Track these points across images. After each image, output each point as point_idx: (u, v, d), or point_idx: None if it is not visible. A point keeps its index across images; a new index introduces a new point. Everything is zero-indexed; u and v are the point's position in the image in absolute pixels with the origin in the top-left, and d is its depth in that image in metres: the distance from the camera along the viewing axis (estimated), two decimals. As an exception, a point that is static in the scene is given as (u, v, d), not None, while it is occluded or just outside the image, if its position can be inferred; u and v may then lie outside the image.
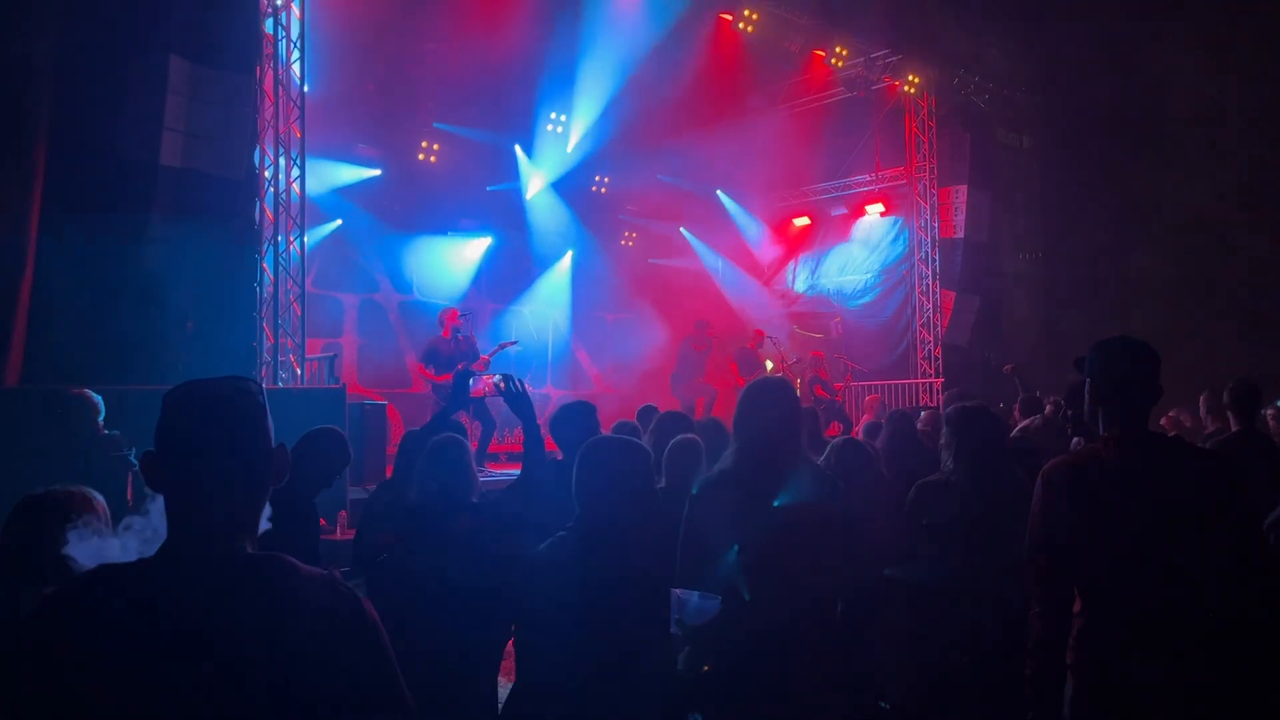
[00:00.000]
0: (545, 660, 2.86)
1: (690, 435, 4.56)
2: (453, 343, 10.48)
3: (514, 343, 11.65)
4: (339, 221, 13.57)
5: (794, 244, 18.47)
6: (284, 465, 1.69)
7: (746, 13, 13.76)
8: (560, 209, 16.34)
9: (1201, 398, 6.53)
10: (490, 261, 15.54)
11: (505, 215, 15.65)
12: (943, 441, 4.00)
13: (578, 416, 4.47)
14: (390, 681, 1.62)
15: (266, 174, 9.80)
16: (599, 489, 2.95)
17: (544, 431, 4.13)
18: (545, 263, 16.37)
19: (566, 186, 16.30)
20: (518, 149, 15.62)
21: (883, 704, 4.21)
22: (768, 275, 18.74)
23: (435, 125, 14.56)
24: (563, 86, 14.50)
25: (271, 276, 9.81)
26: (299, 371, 9.88)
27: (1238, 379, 5.53)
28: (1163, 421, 9.96)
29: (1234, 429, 5.39)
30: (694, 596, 2.89)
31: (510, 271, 15.88)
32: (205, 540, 1.57)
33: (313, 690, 1.52)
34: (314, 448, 4.10)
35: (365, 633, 1.61)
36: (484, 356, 10.53)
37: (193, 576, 1.54)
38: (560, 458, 4.52)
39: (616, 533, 2.91)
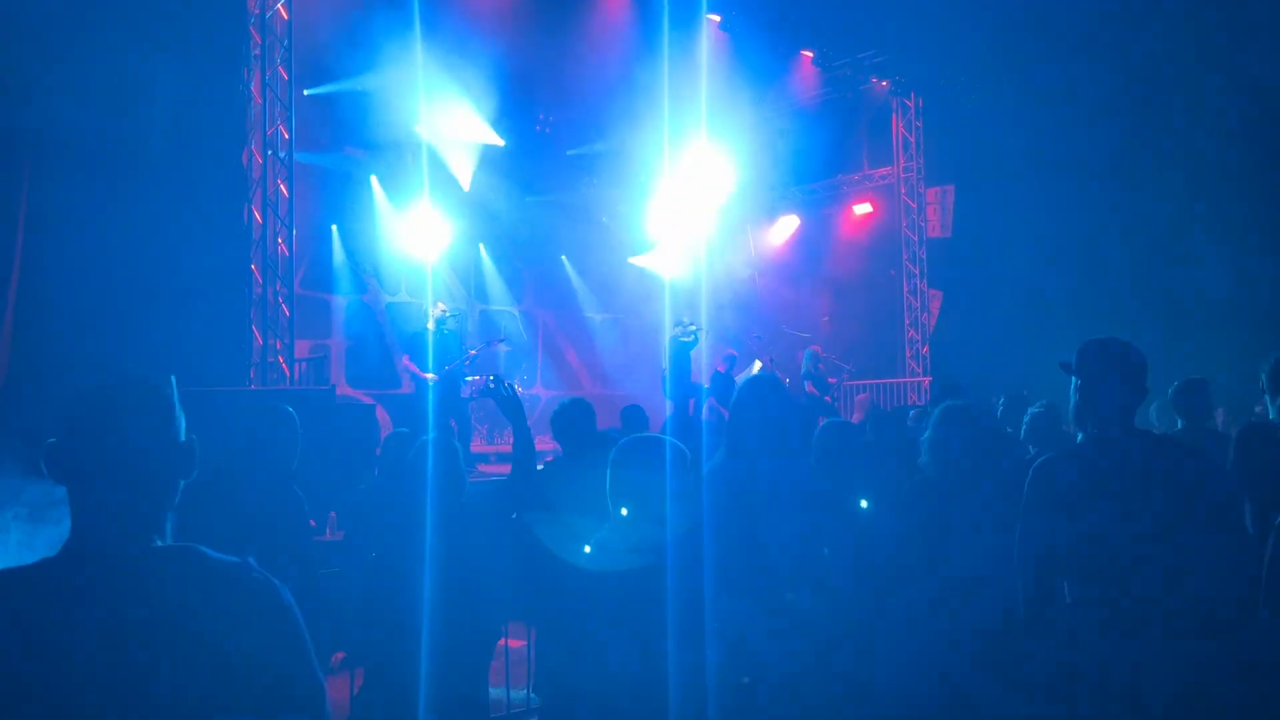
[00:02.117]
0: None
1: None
2: (436, 334, 10.28)
3: (502, 340, 11.62)
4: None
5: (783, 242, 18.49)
6: (192, 460, 1.68)
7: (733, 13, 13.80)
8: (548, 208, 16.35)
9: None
10: (479, 262, 15.52)
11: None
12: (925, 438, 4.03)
13: (578, 415, 4.50)
14: (305, 668, 1.62)
15: (254, 175, 9.78)
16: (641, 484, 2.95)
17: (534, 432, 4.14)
18: (534, 263, 16.36)
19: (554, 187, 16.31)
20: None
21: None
22: (757, 274, 18.75)
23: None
24: (549, 88, 14.50)
25: (259, 278, 9.79)
26: (287, 372, 9.86)
27: (1185, 379, 5.57)
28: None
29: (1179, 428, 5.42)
30: (738, 605, 2.91)
31: (502, 272, 15.86)
32: (109, 535, 1.57)
33: (227, 679, 1.52)
34: (268, 434, 3.97)
35: (279, 619, 1.60)
36: (472, 351, 10.56)
37: (99, 572, 1.53)
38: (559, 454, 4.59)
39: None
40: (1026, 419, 5.83)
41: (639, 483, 2.89)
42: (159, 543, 1.60)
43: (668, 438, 3.20)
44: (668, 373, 12.32)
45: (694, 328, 12.51)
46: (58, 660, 1.46)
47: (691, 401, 12.28)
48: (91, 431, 1.60)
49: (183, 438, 1.68)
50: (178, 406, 1.68)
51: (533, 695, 5.35)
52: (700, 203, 16.72)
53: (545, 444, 5.92)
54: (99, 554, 1.56)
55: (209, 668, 1.51)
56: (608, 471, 2.97)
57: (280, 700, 1.58)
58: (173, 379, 1.71)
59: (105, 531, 1.58)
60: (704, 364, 12.97)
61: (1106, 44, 14.62)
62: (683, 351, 12.34)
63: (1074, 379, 2.89)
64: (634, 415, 6.90)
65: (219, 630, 1.53)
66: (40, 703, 1.44)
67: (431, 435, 3.91)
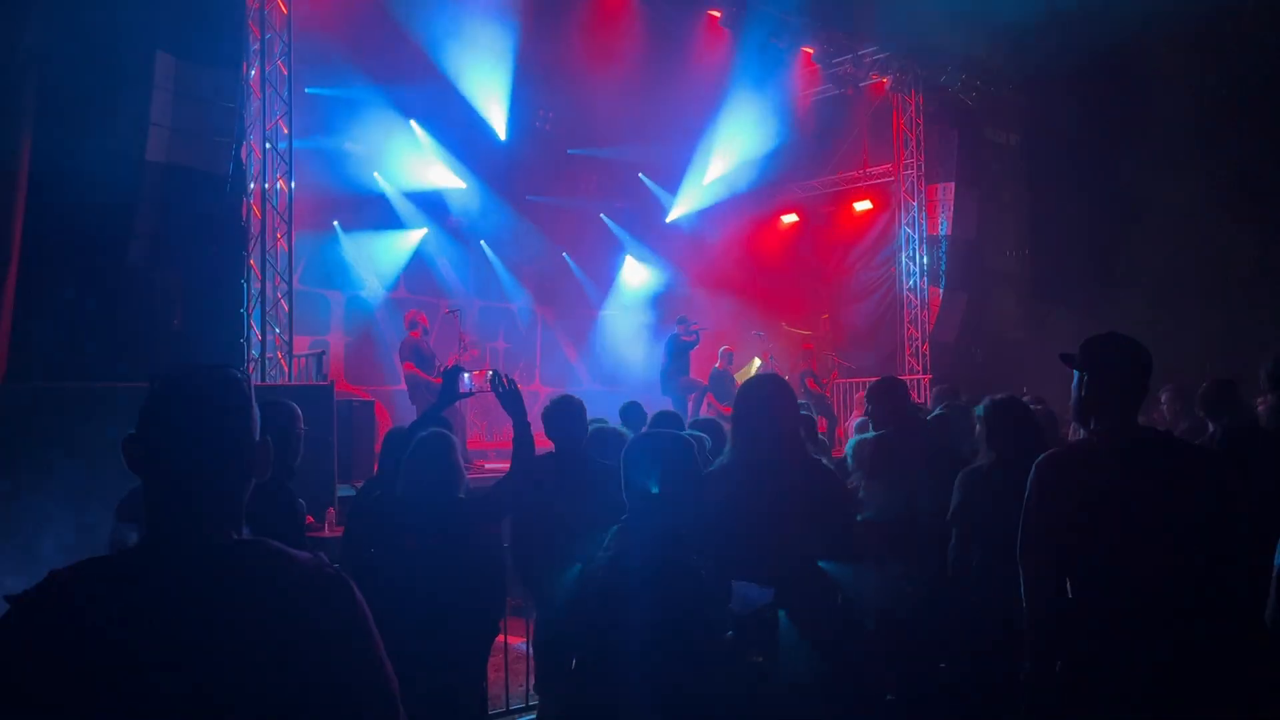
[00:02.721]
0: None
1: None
2: (424, 342, 10.82)
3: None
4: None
5: (783, 240, 18.47)
6: (266, 460, 1.67)
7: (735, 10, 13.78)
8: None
9: (1164, 394, 6.59)
10: (482, 258, 15.51)
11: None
12: (976, 435, 4.20)
13: (568, 410, 4.52)
14: (378, 666, 1.61)
15: (254, 170, 9.77)
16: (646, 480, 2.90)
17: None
18: (534, 259, 16.32)
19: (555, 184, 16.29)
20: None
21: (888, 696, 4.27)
22: (756, 271, 18.73)
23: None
24: (550, 85, 14.47)
25: (259, 273, 9.78)
26: (286, 369, 9.85)
27: (1211, 379, 5.61)
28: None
29: (1210, 430, 5.42)
30: (750, 588, 2.89)
31: (502, 268, 15.84)
32: (187, 529, 1.56)
33: (305, 675, 1.51)
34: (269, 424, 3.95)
35: (355, 616, 1.59)
36: (453, 356, 10.69)
37: (178, 566, 1.51)
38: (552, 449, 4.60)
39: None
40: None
41: (665, 474, 2.84)
42: (236, 537, 1.59)
43: (688, 431, 3.19)
44: (666, 370, 12.35)
45: (697, 328, 12.53)
46: (137, 654, 1.44)
47: (691, 398, 12.31)
48: (171, 423, 1.58)
49: (258, 436, 1.66)
50: (254, 404, 1.66)
51: (532, 693, 5.36)
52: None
53: (542, 442, 5.91)
54: (178, 548, 1.54)
55: (287, 662, 1.49)
56: (623, 462, 2.94)
57: (356, 696, 1.57)
58: (250, 377, 1.69)
59: (184, 525, 1.56)
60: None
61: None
62: (682, 351, 12.35)
63: (1077, 374, 2.88)
64: (632, 412, 6.91)
65: (297, 625, 1.51)
66: (121, 695, 1.42)
67: (430, 430, 3.90)
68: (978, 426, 4.22)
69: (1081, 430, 2.92)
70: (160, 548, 1.55)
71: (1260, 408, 5.49)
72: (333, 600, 1.57)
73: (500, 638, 4.58)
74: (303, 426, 3.91)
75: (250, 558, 1.56)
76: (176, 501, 1.57)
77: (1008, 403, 4.21)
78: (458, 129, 14.26)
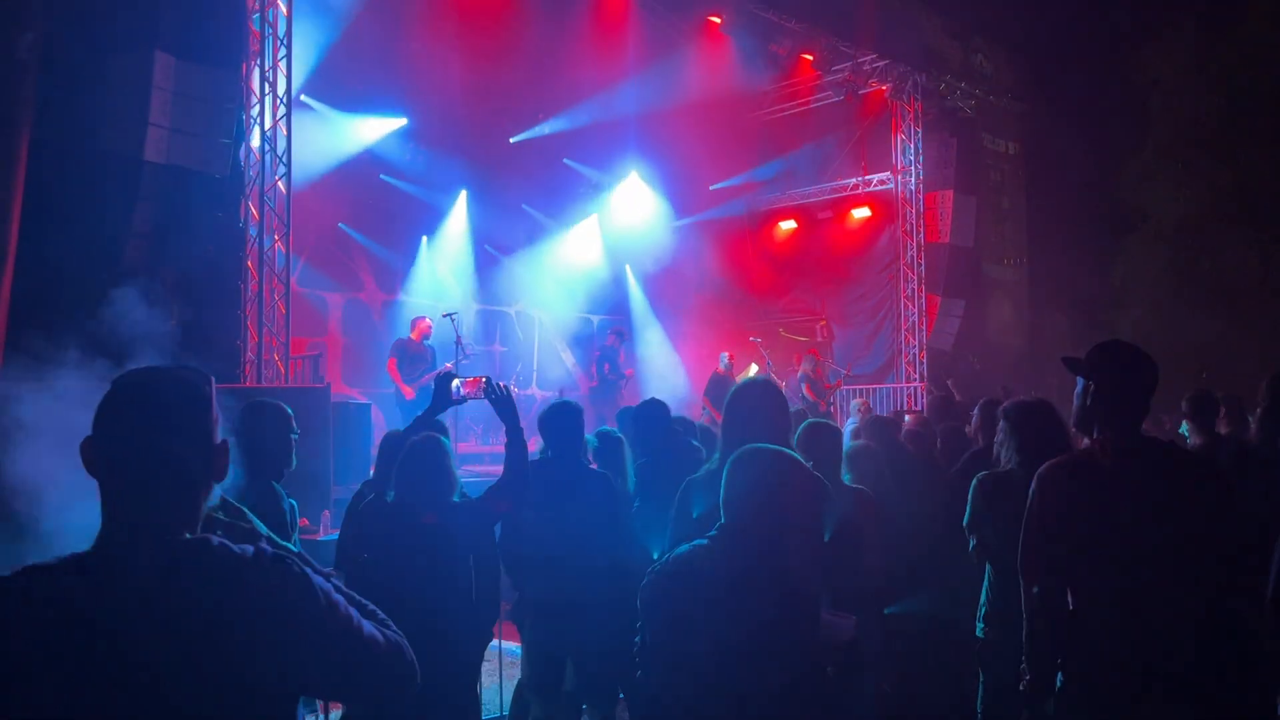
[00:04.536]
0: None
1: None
2: (420, 348, 11.02)
3: (469, 355, 11.58)
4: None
5: (782, 247, 18.49)
6: (225, 461, 1.68)
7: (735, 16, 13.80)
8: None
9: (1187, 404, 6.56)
10: (475, 261, 15.50)
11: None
12: (998, 438, 4.11)
13: (563, 415, 4.53)
14: (345, 627, 1.63)
15: (252, 172, 9.75)
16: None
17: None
18: (530, 263, 16.31)
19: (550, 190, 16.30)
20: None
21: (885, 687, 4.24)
22: (754, 278, 18.75)
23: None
24: (550, 87, 14.47)
25: (256, 274, 9.76)
26: (283, 370, 9.83)
27: (1195, 390, 5.61)
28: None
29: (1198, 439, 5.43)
30: (834, 619, 2.81)
31: (494, 271, 15.83)
32: (139, 530, 1.56)
33: (269, 665, 1.54)
34: (256, 425, 3.92)
35: (303, 591, 1.60)
36: (448, 365, 10.73)
37: (129, 567, 1.52)
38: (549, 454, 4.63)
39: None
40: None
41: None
42: (189, 536, 1.59)
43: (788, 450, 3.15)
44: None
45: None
46: (88, 655, 1.45)
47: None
48: (123, 426, 1.58)
49: (218, 439, 1.67)
50: (215, 406, 1.67)
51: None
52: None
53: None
54: (129, 550, 1.54)
55: (246, 657, 1.51)
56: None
57: (341, 659, 1.61)
58: (211, 378, 1.70)
59: (132, 527, 1.56)
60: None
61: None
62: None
63: (1082, 381, 2.84)
64: (624, 419, 6.90)
65: (244, 615, 1.53)
66: (76, 697, 1.43)
67: (423, 435, 3.89)
68: (1000, 428, 4.14)
69: (1085, 438, 2.89)
70: (108, 551, 1.55)
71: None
72: (274, 584, 1.57)
73: (494, 641, 4.56)
74: (295, 428, 3.89)
75: (188, 557, 1.56)
76: (128, 502, 1.57)
77: (1033, 405, 4.14)
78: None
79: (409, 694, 1.73)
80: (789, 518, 2.58)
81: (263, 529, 3.02)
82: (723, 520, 2.64)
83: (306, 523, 6.36)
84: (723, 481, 2.68)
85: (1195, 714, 2.54)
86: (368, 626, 1.68)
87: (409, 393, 10.65)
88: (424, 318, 11.45)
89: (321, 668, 1.62)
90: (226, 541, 1.60)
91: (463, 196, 15.12)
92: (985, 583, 4.04)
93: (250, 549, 1.60)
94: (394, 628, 1.77)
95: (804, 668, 2.57)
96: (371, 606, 1.79)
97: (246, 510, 3.13)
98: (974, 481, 4.05)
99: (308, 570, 1.64)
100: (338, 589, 1.71)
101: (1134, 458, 2.71)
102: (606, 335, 13.49)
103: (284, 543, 2.55)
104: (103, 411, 1.60)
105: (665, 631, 2.58)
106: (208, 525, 1.69)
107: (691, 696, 2.52)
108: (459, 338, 10.86)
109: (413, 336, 11.14)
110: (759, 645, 2.47)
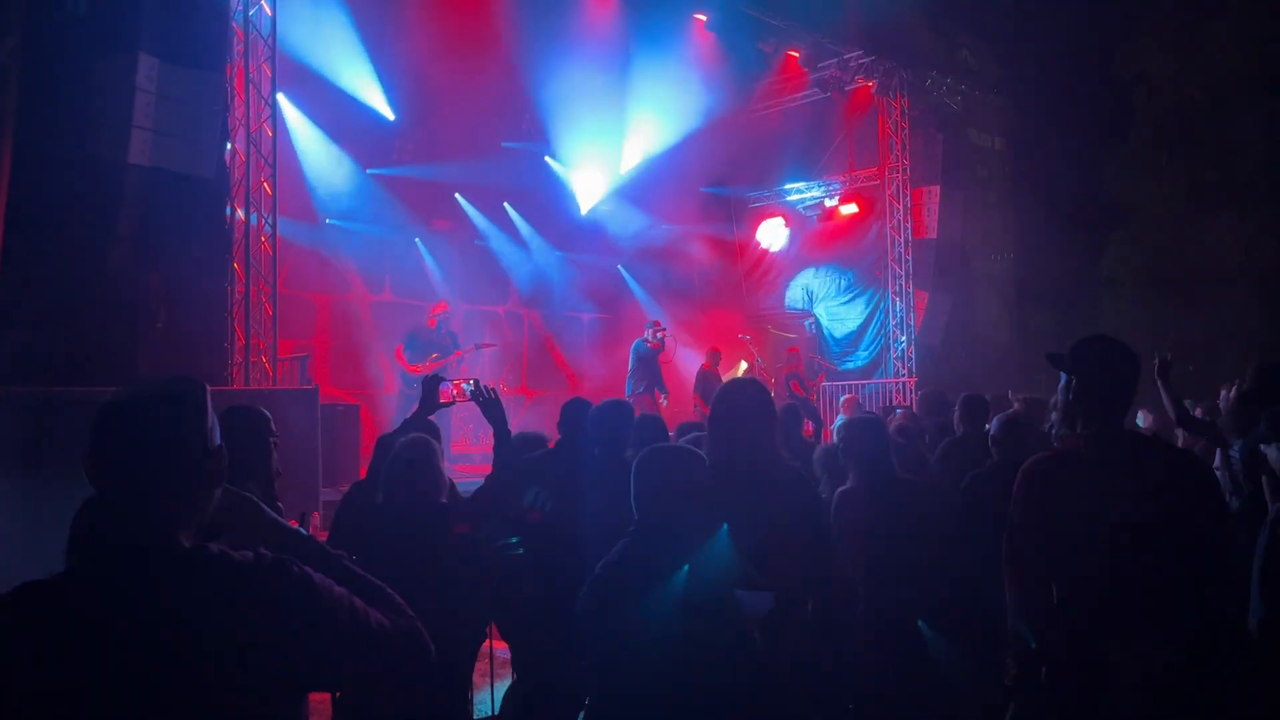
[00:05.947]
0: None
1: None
2: (435, 332, 11.22)
3: (492, 344, 11.86)
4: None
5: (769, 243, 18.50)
6: (223, 467, 1.70)
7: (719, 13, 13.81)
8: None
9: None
10: (464, 261, 15.46)
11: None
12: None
13: (575, 408, 4.64)
14: (353, 620, 1.65)
15: (237, 173, 9.72)
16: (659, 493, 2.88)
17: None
18: (520, 263, 16.29)
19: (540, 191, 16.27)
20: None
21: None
22: (743, 275, 18.77)
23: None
24: (538, 89, 14.45)
25: (242, 276, 9.72)
26: (270, 372, 9.80)
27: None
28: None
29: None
30: (751, 596, 2.89)
31: (486, 271, 15.80)
32: (130, 540, 1.57)
33: (274, 671, 1.55)
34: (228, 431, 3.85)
35: (304, 591, 1.62)
36: (458, 351, 11.10)
37: (126, 581, 1.53)
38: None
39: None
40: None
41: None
42: (187, 546, 1.61)
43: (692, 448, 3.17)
44: (630, 373, 12.35)
45: (663, 334, 12.47)
46: (89, 671, 1.46)
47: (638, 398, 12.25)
48: (117, 438, 1.61)
49: (212, 445, 1.68)
50: (209, 414, 1.69)
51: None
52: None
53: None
54: (120, 560, 1.55)
55: (239, 665, 1.52)
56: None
57: (349, 652, 1.64)
58: (205, 386, 1.71)
59: (127, 537, 1.57)
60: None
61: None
62: (646, 356, 12.29)
63: (1065, 376, 2.86)
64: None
65: (245, 620, 1.55)
66: (78, 713, 1.45)
67: (411, 435, 3.88)
68: (990, 426, 4.20)
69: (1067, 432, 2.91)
70: (102, 560, 1.56)
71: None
72: (274, 587, 1.60)
73: (486, 643, 4.56)
74: (275, 432, 3.83)
75: (193, 566, 1.58)
76: (121, 514, 1.59)
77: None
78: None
79: (425, 673, 1.76)
80: (694, 509, 2.81)
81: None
82: (635, 518, 2.86)
83: (296, 525, 6.34)
84: (631, 481, 2.88)
85: (1177, 703, 2.56)
86: (375, 614, 1.69)
87: (413, 369, 10.81)
88: (441, 301, 11.83)
89: (330, 666, 1.65)
90: (226, 549, 1.61)
91: (452, 196, 15.09)
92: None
93: (249, 555, 1.62)
94: (404, 607, 1.79)
95: (722, 649, 2.71)
96: (378, 584, 1.82)
97: (251, 496, 3.11)
98: (965, 480, 4.09)
99: (308, 570, 1.65)
100: (345, 574, 1.76)
101: (1117, 451, 2.72)
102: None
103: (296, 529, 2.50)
104: (98, 425, 1.61)
105: (602, 635, 2.74)
106: (215, 528, 1.71)
107: (633, 691, 2.68)
108: (455, 338, 11.18)
109: (428, 324, 11.41)
110: (678, 633, 2.62)
